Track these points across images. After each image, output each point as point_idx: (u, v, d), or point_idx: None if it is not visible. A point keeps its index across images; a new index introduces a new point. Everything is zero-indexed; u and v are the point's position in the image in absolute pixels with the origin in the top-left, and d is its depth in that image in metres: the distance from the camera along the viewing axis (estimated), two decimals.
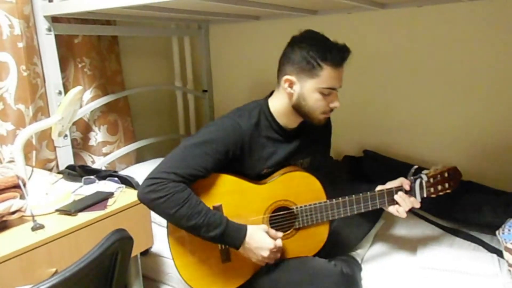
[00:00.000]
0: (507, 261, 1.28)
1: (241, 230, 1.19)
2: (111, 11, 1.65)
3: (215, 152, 1.18)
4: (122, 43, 2.13)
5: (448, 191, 1.34)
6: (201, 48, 2.46)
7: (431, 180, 1.31)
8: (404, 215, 1.28)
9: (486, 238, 1.52)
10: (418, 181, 1.31)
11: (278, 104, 1.28)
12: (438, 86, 1.82)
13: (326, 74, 1.18)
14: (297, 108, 1.24)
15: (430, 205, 1.54)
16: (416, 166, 1.33)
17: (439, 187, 1.33)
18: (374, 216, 1.55)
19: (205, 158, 1.17)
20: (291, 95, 1.24)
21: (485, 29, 1.67)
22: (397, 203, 1.29)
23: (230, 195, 1.24)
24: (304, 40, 1.20)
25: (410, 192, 1.31)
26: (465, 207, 1.59)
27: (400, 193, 1.30)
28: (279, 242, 1.21)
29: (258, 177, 1.29)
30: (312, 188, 1.29)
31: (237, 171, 1.26)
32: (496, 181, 1.71)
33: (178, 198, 1.13)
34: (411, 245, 1.51)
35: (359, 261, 1.41)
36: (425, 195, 1.32)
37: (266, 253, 1.19)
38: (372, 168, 1.92)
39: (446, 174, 1.33)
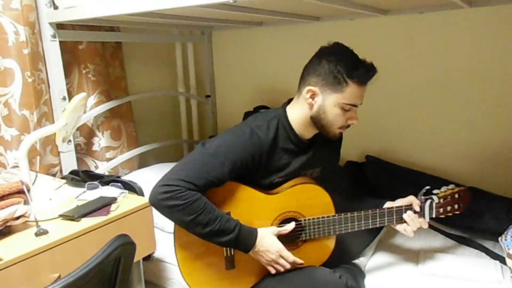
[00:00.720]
0: (510, 268, 1.27)
1: (252, 234, 1.20)
2: (115, 18, 1.66)
3: (232, 163, 1.18)
4: (126, 49, 2.14)
5: (457, 212, 1.34)
6: (204, 54, 2.48)
7: (441, 200, 1.31)
8: (411, 234, 1.28)
9: (488, 244, 1.52)
10: (428, 202, 1.30)
11: (297, 114, 1.27)
12: (440, 92, 1.83)
13: (350, 91, 1.17)
14: (315, 120, 1.24)
15: None
16: (428, 187, 1.31)
17: (449, 208, 1.33)
18: None
19: (222, 169, 1.17)
20: (311, 106, 1.23)
21: (486, 35, 1.68)
22: (405, 221, 1.29)
23: (238, 203, 1.24)
24: (333, 53, 1.19)
25: (420, 212, 1.30)
26: (467, 214, 1.59)
27: (409, 212, 1.29)
28: (287, 255, 1.22)
29: (268, 186, 1.29)
30: (321, 202, 1.29)
31: (248, 179, 1.26)
32: (499, 187, 1.70)
33: (196, 207, 1.13)
34: (413, 252, 1.51)
35: (362, 269, 1.41)
36: (433, 216, 1.32)
37: (274, 256, 1.20)
38: (374, 174, 1.92)
39: (456, 196, 1.33)
